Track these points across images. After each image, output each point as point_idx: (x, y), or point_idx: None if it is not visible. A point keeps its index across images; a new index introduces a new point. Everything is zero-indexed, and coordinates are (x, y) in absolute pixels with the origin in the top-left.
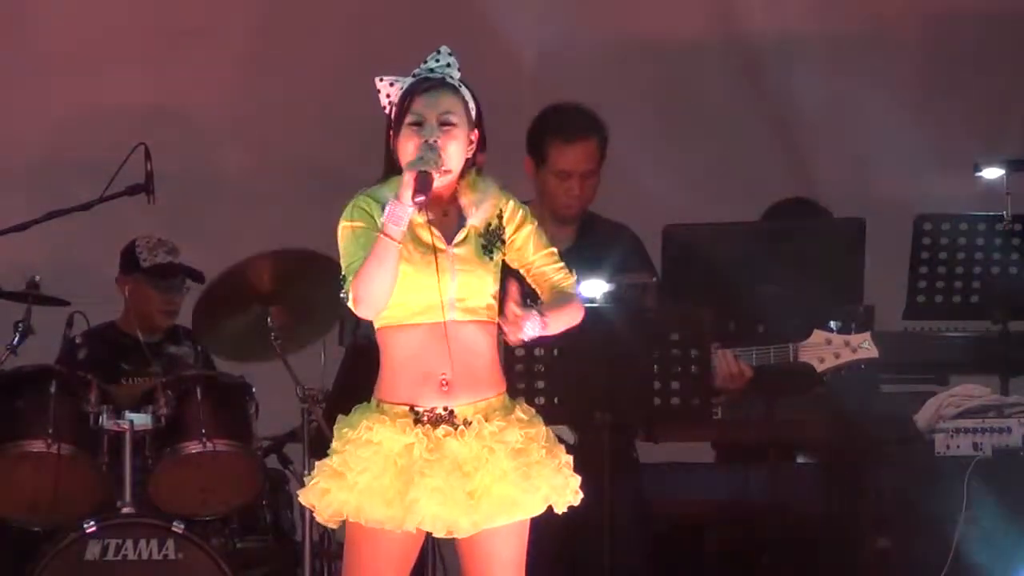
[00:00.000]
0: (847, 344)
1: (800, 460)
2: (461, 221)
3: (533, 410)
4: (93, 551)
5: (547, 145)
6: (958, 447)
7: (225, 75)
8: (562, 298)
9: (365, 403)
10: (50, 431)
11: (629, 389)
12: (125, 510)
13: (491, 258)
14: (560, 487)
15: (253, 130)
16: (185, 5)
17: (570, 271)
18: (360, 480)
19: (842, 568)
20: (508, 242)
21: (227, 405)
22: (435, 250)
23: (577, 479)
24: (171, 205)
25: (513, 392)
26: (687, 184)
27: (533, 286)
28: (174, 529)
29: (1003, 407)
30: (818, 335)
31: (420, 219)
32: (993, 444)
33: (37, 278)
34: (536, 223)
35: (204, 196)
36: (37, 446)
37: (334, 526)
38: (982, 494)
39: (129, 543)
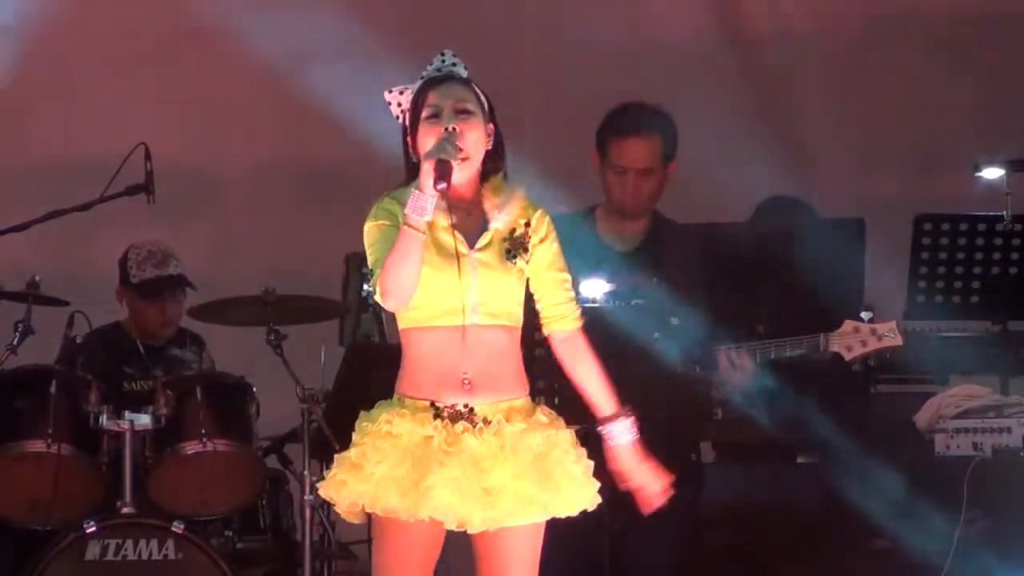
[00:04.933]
0: (873, 332)
1: (800, 460)
2: (484, 225)
3: (555, 413)
4: (93, 551)
5: (606, 140)
6: (958, 447)
7: (225, 75)
8: (592, 372)
9: (387, 400)
10: (50, 431)
11: (629, 389)
12: (125, 510)
13: (514, 263)
14: (579, 491)
15: (253, 130)
16: (185, 5)
17: (578, 304)
18: (377, 471)
19: (842, 568)
20: (530, 251)
21: (227, 405)
22: (457, 254)
23: (596, 485)
24: (171, 205)
25: None
26: (687, 184)
27: (534, 293)
28: (174, 529)
29: (1003, 407)
30: (847, 324)
31: (444, 222)
32: (993, 444)
33: (37, 278)
34: (559, 243)
35: (204, 196)
36: (37, 446)
37: (355, 520)
38: (982, 494)
39: (129, 543)
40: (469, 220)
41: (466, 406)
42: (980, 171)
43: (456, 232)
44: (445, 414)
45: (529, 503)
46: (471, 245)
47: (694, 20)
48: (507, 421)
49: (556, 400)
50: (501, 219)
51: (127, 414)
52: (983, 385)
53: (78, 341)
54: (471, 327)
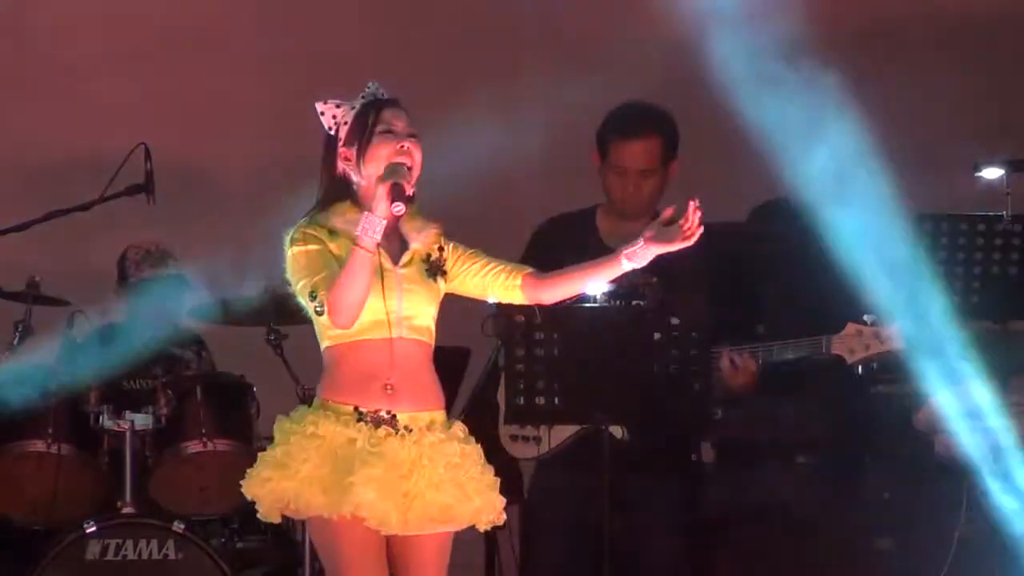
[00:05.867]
0: (876, 336)
1: (800, 460)
2: (404, 245)
3: (467, 429)
4: (93, 551)
5: (607, 141)
6: (958, 447)
7: (225, 76)
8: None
9: (307, 405)
10: (50, 431)
11: (629, 389)
12: (125, 510)
13: (435, 282)
14: (489, 504)
15: (253, 131)
16: (185, 5)
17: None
18: (302, 469)
19: (842, 568)
20: (451, 273)
21: (227, 405)
22: (382, 270)
23: (502, 500)
24: (171, 205)
25: (513, 392)
26: (686, 183)
27: (487, 288)
28: (174, 529)
29: (1003, 407)
30: (850, 327)
31: None
32: (993, 444)
33: (37, 278)
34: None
35: (204, 196)
36: (37, 446)
37: (273, 519)
38: (982, 494)
39: (129, 543)
40: (389, 242)
41: (389, 412)
42: (980, 171)
43: (381, 249)
44: (368, 418)
45: (444, 512)
46: (395, 263)
47: (694, 20)
48: (427, 431)
49: (556, 400)
50: (420, 240)
51: (127, 414)
52: (983, 385)
53: (78, 341)
54: (396, 340)
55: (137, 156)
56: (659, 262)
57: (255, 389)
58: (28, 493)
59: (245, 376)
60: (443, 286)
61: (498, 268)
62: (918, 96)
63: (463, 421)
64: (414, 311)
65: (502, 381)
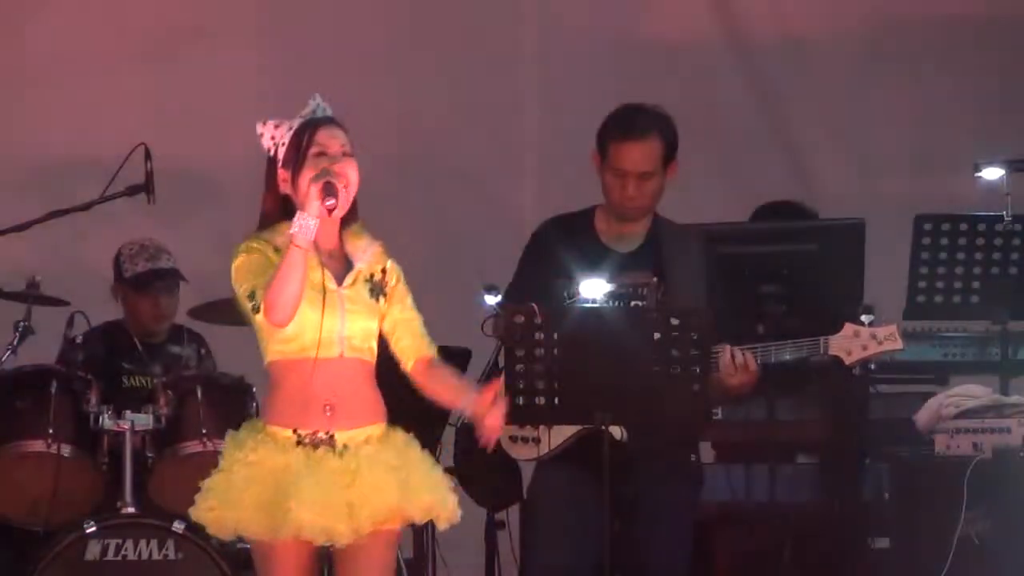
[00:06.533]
0: (873, 336)
1: (800, 460)
2: (348, 266)
3: (411, 435)
4: (93, 551)
5: (607, 142)
6: (958, 447)
7: (225, 75)
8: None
9: (252, 423)
10: (50, 431)
11: (629, 389)
12: (125, 510)
13: (377, 302)
14: (440, 501)
15: (253, 130)
16: (186, 5)
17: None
18: (243, 498)
19: (842, 568)
20: (388, 295)
21: (227, 405)
22: (324, 289)
23: (455, 498)
24: (171, 205)
25: (513, 392)
26: (687, 184)
27: (392, 337)
28: (174, 529)
29: (1003, 407)
30: (847, 328)
31: (312, 261)
32: (993, 444)
33: (37, 278)
34: (404, 283)
35: (204, 196)
36: (37, 446)
37: (227, 538)
38: (982, 494)
39: (129, 543)
40: (333, 262)
41: (327, 433)
42: (980, 171)
43: (325, 269)
44: (307, 440)
45: (393, 515)
46: (339, 283)
47: (695, 21)
48: (364, 445)
49: (556, 400)
50: (364, 260)
51: (127, 414)
52: (983, 385)
53: (77, 341)
54: (337, 359)
55: (137, 156)
56: (659, 262)
57: (255, 389)
58: (28, 493)
59: (245, 376)
60: (384, 306)
61: (405, 331)
62: (918, 96)
63: (463, 421)
64: (355, 331)
65: (502, 381)
